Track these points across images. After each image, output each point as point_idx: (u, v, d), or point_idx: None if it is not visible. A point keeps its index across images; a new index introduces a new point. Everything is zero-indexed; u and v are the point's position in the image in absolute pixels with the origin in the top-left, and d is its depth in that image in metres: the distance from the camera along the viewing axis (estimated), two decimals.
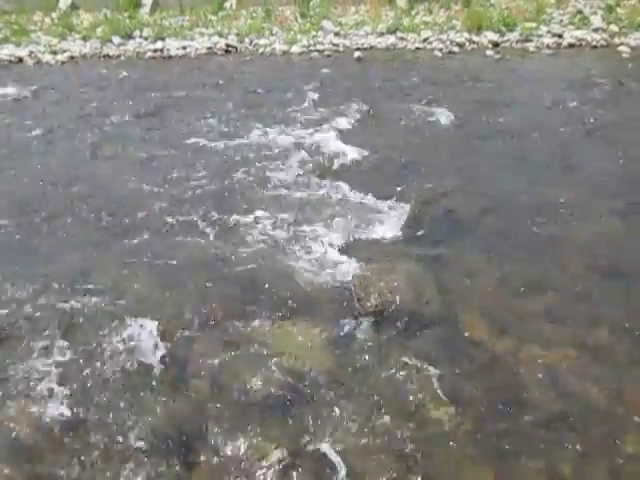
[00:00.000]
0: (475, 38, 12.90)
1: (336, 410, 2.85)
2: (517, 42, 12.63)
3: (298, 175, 5.71)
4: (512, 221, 4.62)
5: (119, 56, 13.46)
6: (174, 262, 4.23)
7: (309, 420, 2.79)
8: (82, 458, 2.64)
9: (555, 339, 3.27)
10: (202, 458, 2.63)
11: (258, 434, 2.71)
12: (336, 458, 2.57)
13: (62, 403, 2.93)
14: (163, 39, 14.11)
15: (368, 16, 15.02)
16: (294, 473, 2.53)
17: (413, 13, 14.99)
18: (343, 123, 7.39)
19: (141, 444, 2.70)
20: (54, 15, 16.98)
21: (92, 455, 2.66)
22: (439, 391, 2.93)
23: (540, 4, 14.46)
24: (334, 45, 13.30)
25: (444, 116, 7.53)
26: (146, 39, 14.22)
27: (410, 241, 4.43)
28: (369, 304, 3.54)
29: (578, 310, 3.54)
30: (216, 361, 3.19)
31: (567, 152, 6.11)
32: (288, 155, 6.27)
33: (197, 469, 2.58)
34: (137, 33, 14.49)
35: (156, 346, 3.29)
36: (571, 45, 12.23)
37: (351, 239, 4.43)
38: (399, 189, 5.25)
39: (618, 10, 13.45)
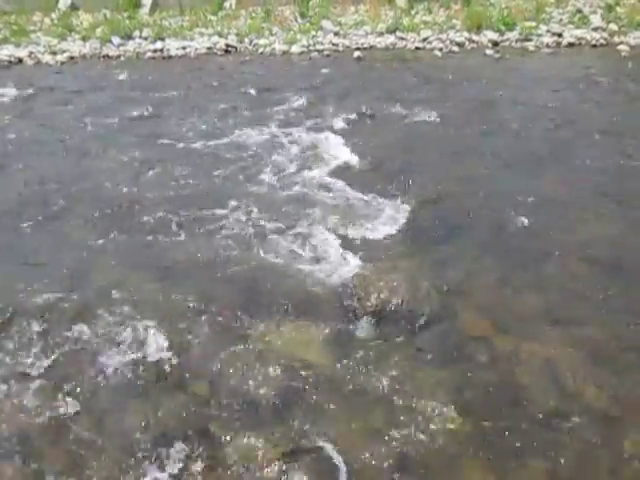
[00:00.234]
0: (475, 37, 12.88)
1: (336, 409, 2.86)
2: (517, 41, 12.60)
3: (298, 175, 5.72)
4: (512, 220, 4.63)
5: (119, 56, 13.44)
6: (174, 262, 4.24)
7: (309, 420, 2.80)
8: (81, 458, 2.65)
9: (555, 338, 3.28)
10: (202, 458, 2.63)
11: (258, 434, 2.72)
12: (336, 458, 2.58)
13: (61, 403, 2.94)
14: (163, 39, 14.08)
15: (368, 16, 14.99)
16: (294, 473, 2.54)
17: (413, 13, 14.97)
18: (343, 123, 7.39)
19: (141, 444, 2.71)
20: (54, 15, 16.94)
21: (92, 455, 2.66)
22: (439, 390, 2.94)
23: (540, 3, 14.44)
24: (334, 45, 13.28)
25: (444, 115, 7.53)
26: (146, 39, 14.19)
27: (410, 241, 4.44)
28: (369, 304, 3.55)
29: (578, 309, 3.55)
30: (216, 361, 3.20)
31: (567, 151, 6.11)
32: (288, 155, 6.28)
33: (197, 469, 2.59)
34: (137, 33, 14.46)
35: (156, 346, 3.30)
36: (571, 44, 12.21)
37: (351, 239, 4.44)
38: (399, 188, 5.27)
39: (617, 9, 13.43)
